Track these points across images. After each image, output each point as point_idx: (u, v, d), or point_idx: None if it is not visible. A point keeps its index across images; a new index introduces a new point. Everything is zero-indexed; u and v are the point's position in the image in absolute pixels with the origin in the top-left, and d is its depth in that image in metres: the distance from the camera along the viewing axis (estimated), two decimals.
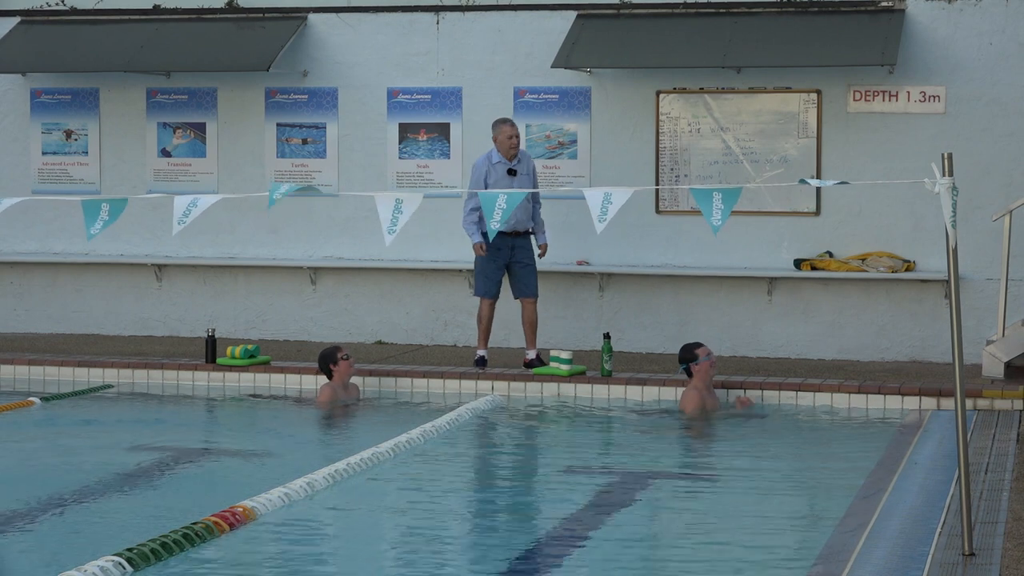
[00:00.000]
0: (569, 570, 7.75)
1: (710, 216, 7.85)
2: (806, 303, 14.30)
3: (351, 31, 15.22)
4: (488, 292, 13.34)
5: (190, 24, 15.55)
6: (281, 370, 13.32)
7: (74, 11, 15.91)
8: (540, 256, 13.45)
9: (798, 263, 14.21)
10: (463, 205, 13.29)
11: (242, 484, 9.30)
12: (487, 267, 13.29)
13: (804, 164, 14.16)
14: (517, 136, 13.24)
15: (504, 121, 13.33)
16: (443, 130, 15.05)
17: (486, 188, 12.93)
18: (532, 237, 13.42)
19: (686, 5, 14.54)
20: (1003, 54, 13.91)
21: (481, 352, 13.35)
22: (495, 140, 13.28)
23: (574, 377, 12.80)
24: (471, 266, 14.74)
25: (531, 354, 13.29)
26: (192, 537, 7.83)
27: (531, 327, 13.36)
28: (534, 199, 13.39)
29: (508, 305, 14.08)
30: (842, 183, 8.05)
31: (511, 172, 13.17)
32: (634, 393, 12.60)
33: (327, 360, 12.60)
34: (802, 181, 8.01)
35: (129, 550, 7.43)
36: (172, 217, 8.27)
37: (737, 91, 14.39)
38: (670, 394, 12.50)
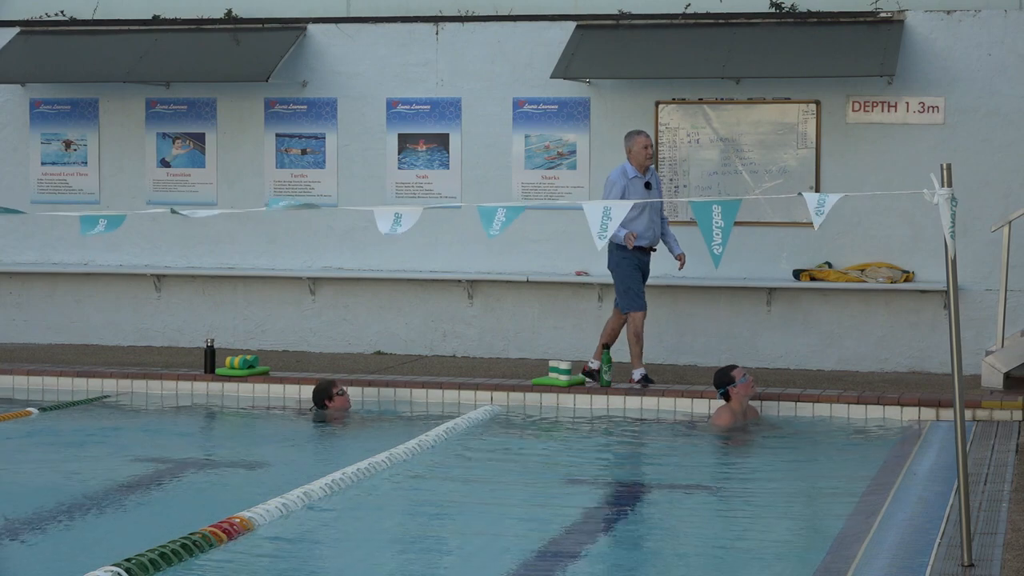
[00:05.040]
0: None
1: (711, 240, 7.78)
2: (805, 314, 14.29)
3: (350, 41, 15.22)
4: (643, 305, 13.06)
5: (189, 35, 15.56)
6: (280, 380, 13.30)
7: (73, 21, 15.92)
8: (680, 268, 13.23)
9: (797, 274, 14.21)
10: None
11: (240, 495, 9.29)
12: (635, 282, 13.02)
13: (803, 175, 14.16)
14: (651, 145, 13.05)
15: (638, 132, 13.05)
16: (442, 140, 15.04)
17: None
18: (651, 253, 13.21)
19: (685, 16, 14.55)
20: (1002, 65, 13.91)
21: (644, 370, 13.01)
22: (629, 152, 12.98)
23: (573, 388, 12.79)
24: (470, 276, 14.77)
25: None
26: (190, 547, 7.83)
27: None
28: (662, 215, 13.23)
29: (510, 315, 14.08)
30: (841, 195, 8.03)
31: (647, 185, 12.99)
32: (633, 404, 12.59)
33: (322, 396, 12.47)
34: (800, 195, 8.01)
35: (128, 560, 7.42)
36: (170, 218, 8.27)
37: (736, 102, 14.40)
38: (669, 404, 12.49)
